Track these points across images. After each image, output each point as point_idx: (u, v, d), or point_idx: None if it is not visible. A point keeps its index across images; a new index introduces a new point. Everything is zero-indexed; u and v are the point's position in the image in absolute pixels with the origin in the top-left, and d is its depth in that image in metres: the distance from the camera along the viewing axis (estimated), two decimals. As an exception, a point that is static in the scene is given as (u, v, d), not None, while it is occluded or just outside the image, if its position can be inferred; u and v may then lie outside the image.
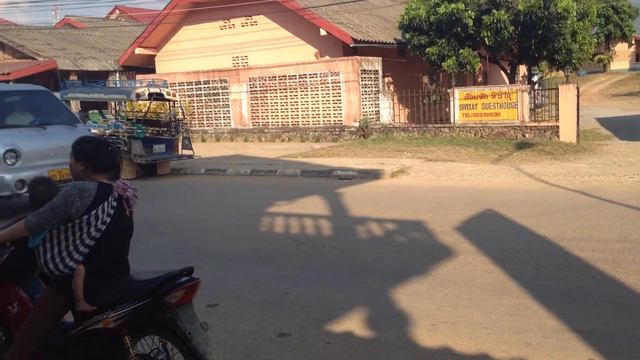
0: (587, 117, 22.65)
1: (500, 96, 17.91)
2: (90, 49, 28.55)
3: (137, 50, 25.74)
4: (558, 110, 17.18)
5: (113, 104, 17.34)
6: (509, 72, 23.13)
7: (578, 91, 17.12)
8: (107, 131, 14.94)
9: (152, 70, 26.03)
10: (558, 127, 16.97)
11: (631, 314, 4.91)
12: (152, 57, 26.26)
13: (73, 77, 24.94)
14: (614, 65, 49.79)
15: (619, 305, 5.11)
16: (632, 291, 5.40)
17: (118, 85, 17.09)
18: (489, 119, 18.09)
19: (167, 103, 16.86)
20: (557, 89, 17.41)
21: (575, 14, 19.02)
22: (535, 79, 27.42)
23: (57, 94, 16.16)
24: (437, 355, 4.35)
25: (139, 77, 23.87)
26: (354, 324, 4.98)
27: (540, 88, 23.45)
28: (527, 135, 17.49)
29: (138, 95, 14.62)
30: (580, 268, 6.11)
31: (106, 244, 3.38)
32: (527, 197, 9.97)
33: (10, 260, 3.66)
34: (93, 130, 15.33)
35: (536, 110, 20.35)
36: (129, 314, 3.26)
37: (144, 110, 17.19)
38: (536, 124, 17.86)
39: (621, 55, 51.95)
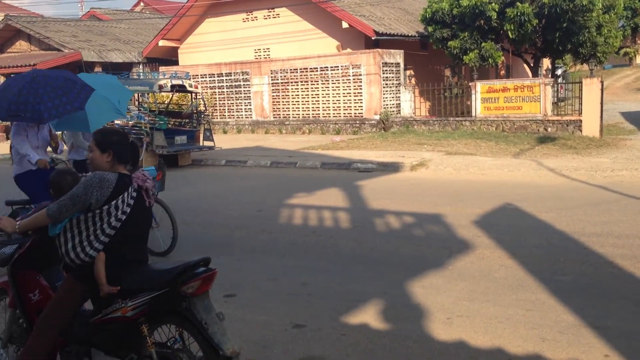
0: (611, 112, 22.31)
1: (522, 89, 17.73)
2: (114, 41, 28.84)
3: (161, 42, 25.94)
4: (581, 104, 16.95)
5: (136, 95, 17.51)
6: (532, 65, 22.85)
7: (602, 85, 16.87)
8: (130, 122, 15.11)
9: (175, 62, 26.22)
10: (581, 121, 16.75)
11: (649, 311, 4.87)
12: (176, 49, 26.45)
13: (98, 69, 25.23)
14: (641, 59, 48.77)
15: (638, 302, 5.07)
16: (651, 288, 5.35)
17: (141, 77, 17.23)
18: (510, 112, 17.92)
19: (190, 95, 16.99)
20: (581, 82, 17.16)
21: (600, 7, 18.71)
22: (558, 72, 27.03)
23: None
24: (452, 349, 4.37)
25: (162, 68, 24.09)
26: (369, 316, 5.01)
27: (564, 82, 23.13)
28: (549, 129, 17.30)
29: (161, 87, 14.75)
30: (599, 264, 6.06)
31: (126, 234, 3.46)
32: (548, 192, 9.89)
33: (31, 249, 3.75)
34: (117, 121, 15.54)
35: (559, 104, 20.08)
36: (146, 303, 3.33)
37: (166, 102, 17.35)
38: (559, 117, 17.64)
39: (648, 48, 50.84)
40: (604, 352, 4.18)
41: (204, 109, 17.31)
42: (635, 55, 47.72)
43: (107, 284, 3.39)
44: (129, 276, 3.42)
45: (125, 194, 3.44)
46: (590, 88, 16.62)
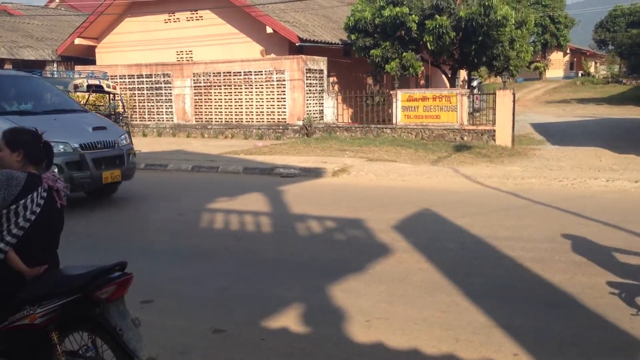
0: (522, 122, 23.42)
1: (440, 99, 18.32)
2: (26, 38, 27.55)
3: (77, 41, 25.00)
4: (495, 114, 17.72)
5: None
6: (449, 76, 23.69)
7: (514, 97, 17.71)
8: (42, 123, 14.46)
9: (93, 62, 25.34)
10: (494, 131, 17.50)
11: (556, 311, 5.13)
12: (93, 48, 25.56)
13: (8, 66, 23.99)
14: (549, 73, 51.69)
15: (545, 302, 5.33)
16: (557, 289, 5.63)
17: (55, 76, 16.55)
18: (429, 121, 18.48)
19: (107, 96, 16.48)
20: (495, 94, 17.95)
21: (513, 22, 19.68)
22: (474, 83, 28.16)
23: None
24: (369, 351, 4.43)
25: (78, 68, 23.20)
26: (289, 320, 5.01)
27: (479, 93, 24.09)
28: (465, 138, 17.96)
29: (76, 87, 14.23)
30: (510, 267, 6.34)
31: (35, 236, 3.32)
32: (463, 198, 10.25)
33: None
34: (27, 122, 14.84)
35: (475, 114, 20.91)
36: (56, 309, 3.18)
37: (82, 102, 16.74)
38: (474, 127, 18.36)
39: (556, 63, 53.99)
40: (513, 350, 4.37)
41: (122, 110, 16.83)
42: (545, 70, 50.43)
43: (27, 268, 3.27)
44: (37, 280, 3.27)
45: (35, 194, 3.31)
46: (503, 100, 17.40)
